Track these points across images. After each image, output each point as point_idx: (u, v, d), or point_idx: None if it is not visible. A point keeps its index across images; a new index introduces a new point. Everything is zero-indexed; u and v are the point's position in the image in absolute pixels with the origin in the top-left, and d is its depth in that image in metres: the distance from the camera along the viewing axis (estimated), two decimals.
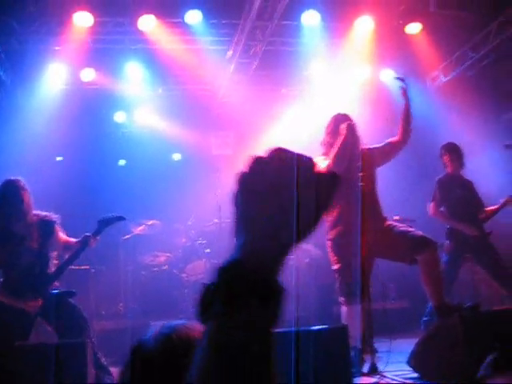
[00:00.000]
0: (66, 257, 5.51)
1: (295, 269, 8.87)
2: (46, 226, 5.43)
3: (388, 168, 7.48)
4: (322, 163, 5.24)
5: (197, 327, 1.53)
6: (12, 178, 5.38)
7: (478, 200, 6.97)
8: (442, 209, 6.91)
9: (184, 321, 1.57)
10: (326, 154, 5.26)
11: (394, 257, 5.24)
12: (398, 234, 5.13)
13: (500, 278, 6.58)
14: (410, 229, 5.21)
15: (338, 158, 5.09)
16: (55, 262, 5.52)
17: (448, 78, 9.77)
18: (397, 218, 6.87)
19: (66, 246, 5.54)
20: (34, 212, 5.44)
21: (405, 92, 5.62)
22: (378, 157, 5.44)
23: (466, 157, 7.01)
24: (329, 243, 5.28)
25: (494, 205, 6.93)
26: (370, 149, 5.42)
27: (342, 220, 5.19)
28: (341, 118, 5.31)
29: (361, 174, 4.91)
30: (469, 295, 8.99)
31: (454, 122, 9.17)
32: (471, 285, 8.98)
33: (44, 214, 5.51)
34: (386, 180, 6.08)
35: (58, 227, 5.53)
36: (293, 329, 4.30)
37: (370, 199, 5.04)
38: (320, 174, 0.93)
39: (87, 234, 5.43)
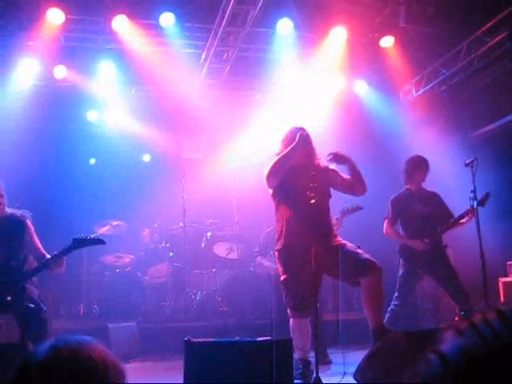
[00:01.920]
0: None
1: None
2: (17, 223, 5.24)
3: None
4: (265, 171, 5.22)
5: (89, 346, 1.52)
6: None
7: (442, 212, 6.88)
8: (396, 226, 6.94)
9: (83, 337, 1.57)
10: None
11: (337, 276, 5.19)
12: (346, 254, 5.03)
13: (452, 292, 6.62)
14: (359, 250, 5.13)
15: (276, 166, 5.07)
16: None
17: (419, 92, 9.85)
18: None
19: (36, 252, 5.24)
20: (8, 209, 5.28)
21: (342, 159, 5.26)
22: (332, 180, 5.29)
23: (429, 171, 7.00)
24: (276, 254, 5.22)
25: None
26: (327, 167, 5.35)
27: (288, 231, 5.13)
28: (297, 131, 5.27)
29: (312, 185, 4.84)
30: (430, 308, 9.08)
31: (423, 136, 9.24)
32: (432, 297, 9.06)
33: (15, 211, 5.33)
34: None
35: (30, 225, 5.30)
36: (236, 339, 4.30)
37: (320, 212, 4.99)
38: None
39: (54, 254, 5.03)
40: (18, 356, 3.96)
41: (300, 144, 5.07)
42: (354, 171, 5.27)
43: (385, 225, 6.95)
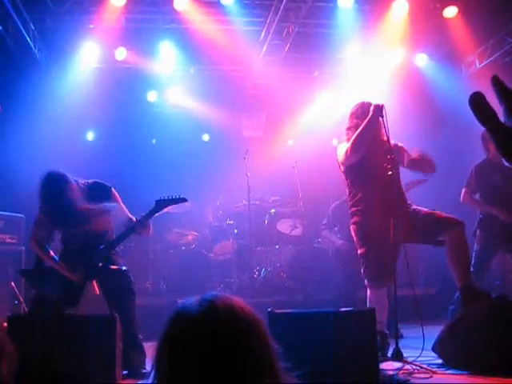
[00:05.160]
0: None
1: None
2: (101, 190, 5.03)
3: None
4: (343, 148, 5.20)
5: (235, 298, 1.56)
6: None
7: None
8: (476, 195, 6.80)
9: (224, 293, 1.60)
10: (350, 139, 5.17)
11: (420, 239, 5.14)
12: (424, 215, 5.04)
13: None
14: (436, 211, 5.13)
15: (357, 142, 5.02)
16: None
17: (483, 64, 9.60)
18: None
19: (125, 218, 5.03)
20: (82, 181, 5.06)
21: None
22: (399, 155, 5.27)
23: None
24: (353, 227, 5.22)
25: None
26: (396, 144, 5.32)
27: (366, 203, 5.14)
28: (367, 104, 5.19)
29: (389, 157, 4.83)
30: (497, 284, 8.95)
31: None
32: (500, 274, 8.93)
33: (97, 180, 5.11)
34: None
35: (115, 192, 5.05)
36: (322, 310, 4.28)
37: (394, 183, 4.99)
38: None
39: (140, 216, 4.92)
40: (109, 327, 4.05)
41: (377, 115, 5.01)
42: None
43: (463, 193, 6.81)
